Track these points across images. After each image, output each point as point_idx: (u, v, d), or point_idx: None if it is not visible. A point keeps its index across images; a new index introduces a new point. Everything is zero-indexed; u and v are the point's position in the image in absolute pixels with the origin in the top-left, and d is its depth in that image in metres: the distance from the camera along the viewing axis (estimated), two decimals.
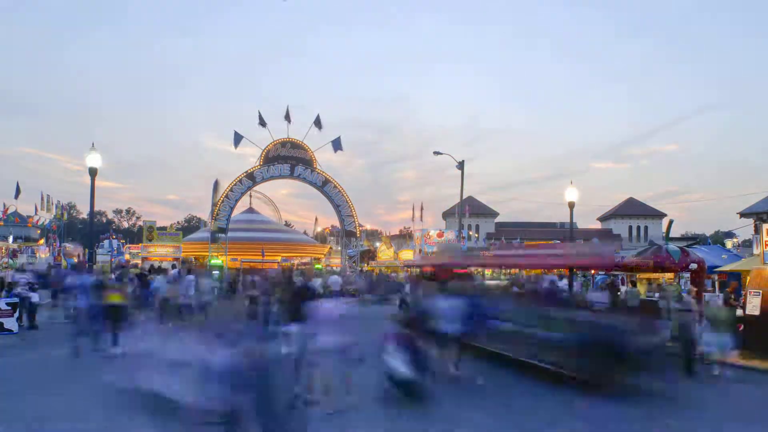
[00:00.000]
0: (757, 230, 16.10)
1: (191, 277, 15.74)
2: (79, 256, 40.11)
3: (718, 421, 7.79)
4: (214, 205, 38.79)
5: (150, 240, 40.49)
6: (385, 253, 49.31)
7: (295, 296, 8.33)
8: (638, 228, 67.97)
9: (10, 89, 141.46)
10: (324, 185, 42.01)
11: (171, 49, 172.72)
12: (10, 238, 37.74)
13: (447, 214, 65.78)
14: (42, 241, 41.82)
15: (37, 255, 38.42)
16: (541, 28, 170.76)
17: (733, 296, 14.41)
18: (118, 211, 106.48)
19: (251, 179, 41.09)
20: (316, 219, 69.68)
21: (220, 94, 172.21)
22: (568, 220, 25.81)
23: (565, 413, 7.87)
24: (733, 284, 16.26)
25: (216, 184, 38.24)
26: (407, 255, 48.25)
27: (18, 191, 38.90)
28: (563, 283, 17.78)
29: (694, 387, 9.88)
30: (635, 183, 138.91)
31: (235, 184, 40.69)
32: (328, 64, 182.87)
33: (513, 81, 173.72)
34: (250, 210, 53.60)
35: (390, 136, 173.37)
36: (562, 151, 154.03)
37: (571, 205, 23.56)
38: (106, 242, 49.53)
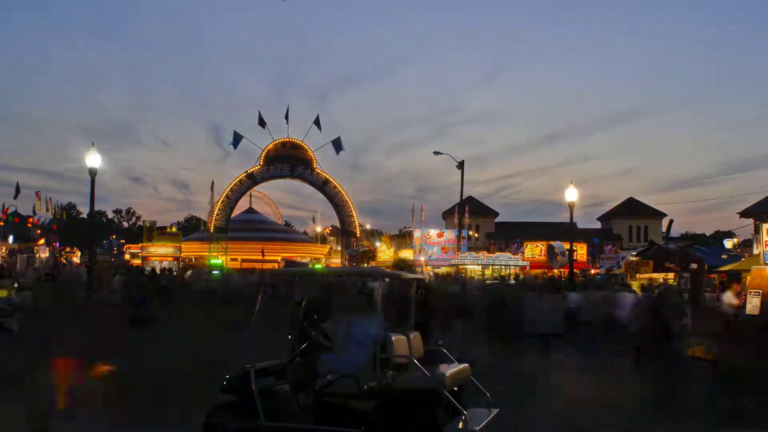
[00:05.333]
0: (757, 230, 16.10)
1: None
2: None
3: None
4: (211, 205, 38.82)
5: (150, 240, 40.47)
6: (385, 253, 49.27)
7: None
8: (638, 228, 67.92)
9: None
10: (324, 185, 42.03)
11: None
12: (10, 238, 37.70)
13: (447, 214, 65.75)
14: (42, 241, 41.80)
15: (37, 255, 38.42)
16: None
17: None
18: (118, 211, 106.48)
19: (251, 179, 41.11)
20: (314, 218, 69.57)
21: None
22: (577, 214, 25.72)
23: None
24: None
25: (213, 185, 38.32)
26: (407, 255, 48.22)
27: (17, 191, 38.93)
28: None
29: None
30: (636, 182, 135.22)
31: (235, 184, 40.70)
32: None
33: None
34: (250, 210, 53.61)
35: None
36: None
37: (571, 206, 23.52)
38: (105, 242, 49.54)
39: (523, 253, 43.48)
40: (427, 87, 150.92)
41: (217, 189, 40.91)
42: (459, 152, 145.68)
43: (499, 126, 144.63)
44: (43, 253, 39.74)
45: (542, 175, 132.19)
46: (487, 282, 26.38)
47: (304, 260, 47.02)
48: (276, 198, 66.22)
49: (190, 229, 76.49)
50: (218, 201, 40.23)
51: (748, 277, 14.95)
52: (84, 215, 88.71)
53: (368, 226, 64.77)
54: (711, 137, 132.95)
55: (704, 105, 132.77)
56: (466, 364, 5.99)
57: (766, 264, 14.08)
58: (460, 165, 40.95)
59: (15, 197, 39.45)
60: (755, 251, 16.26)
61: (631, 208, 69.20)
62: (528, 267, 40.44)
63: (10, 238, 37.58)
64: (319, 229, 66.64)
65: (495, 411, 5.73)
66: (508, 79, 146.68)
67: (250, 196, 52.27)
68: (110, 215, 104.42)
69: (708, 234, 76.12)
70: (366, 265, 44.24)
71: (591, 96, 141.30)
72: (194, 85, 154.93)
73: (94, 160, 19.05)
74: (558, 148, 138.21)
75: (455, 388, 5.56)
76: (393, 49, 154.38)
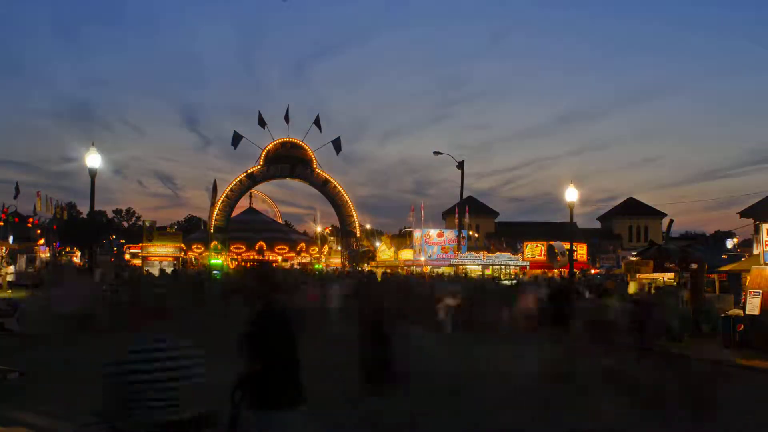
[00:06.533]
0: (757, 230, 16.09)
1: None
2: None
3: None
4: (213, 205, 38.90)
5: (150, 240, 40.48)
6: (385, 253, 49.30)
7: None
8: (638, 228, 67.95)
9: None
10: (324, 185, 42.04)
11: None
12: (10, 238, 37.70)
13: (447, 214, 65.77)
14: (42, 241, 41.80)
15: (37, 255, 38.42)
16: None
17: None
18: (118, 211, 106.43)
19: (251, 179, 41.10)
20: (314, 218, 69.59)
21: None
22: (577, 212, 25.76)
23: None
24: None
25: (214, 185, 38.38)
26: (407, 255, 48.23)
27: (17, 192, 38.95)
28: None
29: None
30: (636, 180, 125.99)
31: (235, 184, 40.69)
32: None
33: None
34: (250, 210, 53.60)
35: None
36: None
37: (571, 206, 23.51)
38: (105, 242, 49.50)
39: (523, 253, 43.46)
40: (423, 57, 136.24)
41: (201, 181, 41.06)
42: (461, 137, 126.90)
43: (506, 104, 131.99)
44: (43, 253, 39.75)
45: (552, 165, 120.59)
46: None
47: (304, 260, 47.03)
48: (272, 194, 66.22)
49: (191, 229, 76.47)
50: (218, 201, 40.24)
51: (748, 277, 14.95)
52: (83, 215, 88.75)
53: (368, 226, 64.79)
54: (741, 121, 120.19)
55: (736, 83, 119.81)
56: None
57: (766, 264, 14.08)
58: (460, 165, 40.93)
59: (15, 197, 39.55)
60: (755, 251, 16.25)
61: (631, 208, 69.27)
62: (528, 267, 40.45)
63: (10, 238, 37.57)
64: (319, 229, 66.67)
65: None
66: (517, 46, 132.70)
67: (250, 196, 52.30)
68: (110, 215, 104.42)
69: (708, 234, 76.03)
70: (366, 265, 44.26)
71: (607, 71, 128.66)
72: (154, 59, 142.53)
73: (93, 160, 18.97)
74: (571, 131, 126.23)
75: None
76: (377, 10, 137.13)
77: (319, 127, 40.81)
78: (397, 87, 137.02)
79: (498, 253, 42.25)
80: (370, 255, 48.28)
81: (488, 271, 38.88)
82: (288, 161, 40.95)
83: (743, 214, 23.17)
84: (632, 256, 26.99)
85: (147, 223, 42.36)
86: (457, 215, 45.14)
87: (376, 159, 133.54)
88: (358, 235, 43.91)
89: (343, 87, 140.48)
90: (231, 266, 37.85)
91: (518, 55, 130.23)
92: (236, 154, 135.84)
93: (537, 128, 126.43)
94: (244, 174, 40.78)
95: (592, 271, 38.42)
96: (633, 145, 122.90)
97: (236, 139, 39.76)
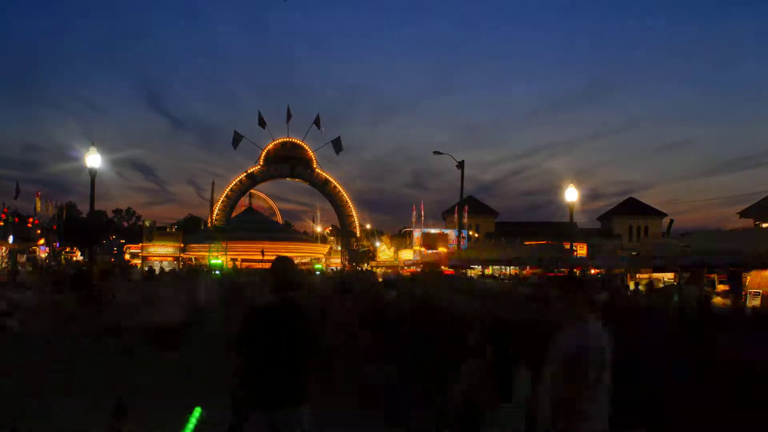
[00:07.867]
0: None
1: None
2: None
3: None
4: (212, 204, 38.91)
5: (150, 240, 40.50)
6: (385, 253, 49.32)
7: None
8: (638, 228, 67.96)
9: None
10: (324, 186, 42.05)
11: None
12: (10, 238, 37.70)
13: (447, 214, 65.80)
14: (42, 241, 41.80)
15: (37, 255, 38.44)
16: None
17: None
18: (118, 211, 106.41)
19: (251, 179, 41.11)
20: (314, 218, 69.59)
21: None
22: (577, 212, 25.73)
23: None
24: None
25: (213, 185, 38.39)
26: (407, 255, 48.23)
27: (17, 192, 38.96)
28: None
29: None
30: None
31: (235, 184, 40.71)
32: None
33: None
34: (250, 210, 53.59)
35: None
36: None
37: (572, 206, 23.52)
38: (105, 242, 49.48)
39: None
40: (416, 17, 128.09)
41: (178, 169, 41.06)
42: (467, 118, 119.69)
43: (519, 75, 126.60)
44: (43, 253, 39.77)
45: (566, 153, 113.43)
46: None
47: (304, 260, 47.03)
48: (270, 190, 65.79)
49: (191, 228, 76.44)
50: (218, 201, 40.25)
51: (748, 277, 14.95)
52: (83, 215, 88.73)
53: (368, 226, 64.81)
54: None
55: None
56: None
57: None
58: (460, 165, 40.85)
59: (15, 197, 39.55)
60: None
61: (631, 207, 69.31)
62: (528, 267, 40.41)
63: (10, 238, 37.56)
64: (319, 229, 66.68)
65: None
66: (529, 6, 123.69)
67: (250, 196, 52.28)
68: (110, 214, 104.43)
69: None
70: (366, 265, 44.28)
71: (630, 42, 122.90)
72: (96, 24, 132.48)
73: (94, 160, 18.94)
74: (590, 109, 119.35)
75: None
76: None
77: (319, 126, 40.89)
78: (385, 51, 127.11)
79: None
80: (370, 255, 48.29)
81: (488, 271, 38.84)
82: (288, 161, 40.98)
83: (743, 213, 23.17)
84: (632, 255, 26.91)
85: (147, 223, 42.40)
86: (456, 215, 45.16)
87: (369, 146, 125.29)
88: (358, 235, 43.92)
89: (321, 52, 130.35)
90: (230, 266, 37.87)
91: (529, 16, 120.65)
92: (215, 144, 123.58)
93: (549, 106, 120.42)
94: (244, 174, 40.83)
95: (592, 271, 38.35)
96: (656, 128, 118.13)
97: (236, 139, 39.79)
